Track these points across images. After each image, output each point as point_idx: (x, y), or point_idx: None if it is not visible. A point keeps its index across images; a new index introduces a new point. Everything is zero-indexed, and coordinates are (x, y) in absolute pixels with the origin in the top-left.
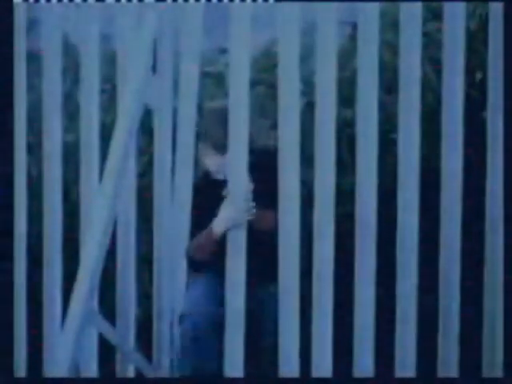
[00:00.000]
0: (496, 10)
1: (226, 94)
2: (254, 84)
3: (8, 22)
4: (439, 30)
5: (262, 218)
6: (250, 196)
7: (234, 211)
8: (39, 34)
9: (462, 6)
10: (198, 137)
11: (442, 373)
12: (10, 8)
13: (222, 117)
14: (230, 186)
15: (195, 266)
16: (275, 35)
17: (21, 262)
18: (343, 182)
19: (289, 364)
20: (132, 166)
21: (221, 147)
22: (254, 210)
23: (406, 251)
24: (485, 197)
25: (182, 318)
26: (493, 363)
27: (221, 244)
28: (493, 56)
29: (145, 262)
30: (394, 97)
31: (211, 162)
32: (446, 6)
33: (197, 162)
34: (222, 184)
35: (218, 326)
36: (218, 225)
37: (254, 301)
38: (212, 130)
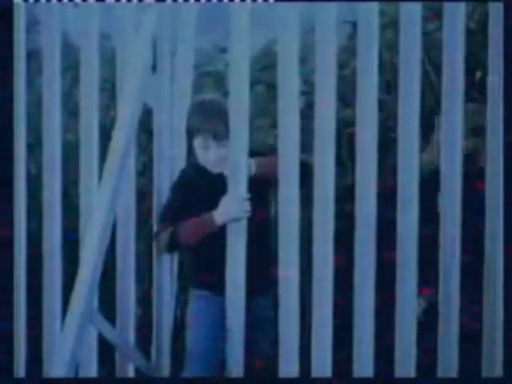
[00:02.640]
0: (496, 10)
1: (225, 93)
2: (253, 83)
3: (8, 22)
4: (439, 30)
5: (266, 163)
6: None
7: (237, 204)
8: (39, 34)
9: (461, 5)
10: (193, 132)
11: (441, 373)
12: (9, 8)
13: (218, 108)
14: (231, 181)
15: (197, 283)
16: (275, 35)
17: (21, 262)
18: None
19: (288, 364)
20: (132, 165)
21: (221, 139)
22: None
23: (405, 251)
24: (485, 196)
25: (190, 358)
26: (493, 363)
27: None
28: (492, 56)
29: (144, 261)
30: (393, 96)
31: (210, 155)
32: (446, 6)
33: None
34: (216, 177)
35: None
36: (220, 215)
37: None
38: (210, 123)
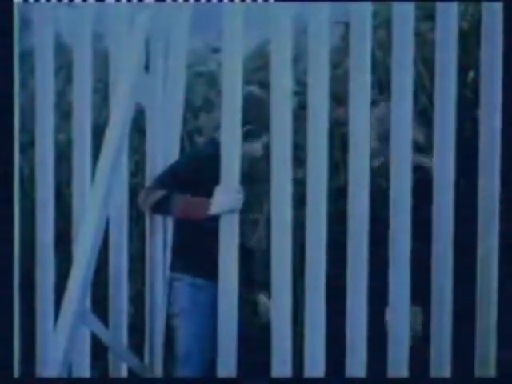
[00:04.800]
0: (488, 10)
1: (218, 94)
2: (246, 83)
3: (8, 22)
4: (432, 30)
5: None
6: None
7: (231, 194)
8: (32, 34)
9: (454, 5)
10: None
11: (434, 372)
12: (10, 8)
13: (263, 101)
14: (224, 173)
15: (193, 269)
16: (268, 35)
17: (14, 262)
18: (335, 181)
19: (281, 364)
20: (124, 165)
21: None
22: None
23: (398, 251)
24: (478, 196)
25: (184, 358)
26: (486, 363)
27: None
28: (485, 55)
29: (137, 260)
30: (386, 96)
31: (257, 144)
32: (439, 6)
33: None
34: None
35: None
36: (215, 205)
37: None
38: (261, 113)
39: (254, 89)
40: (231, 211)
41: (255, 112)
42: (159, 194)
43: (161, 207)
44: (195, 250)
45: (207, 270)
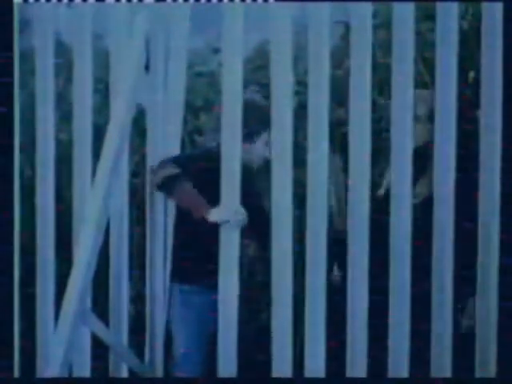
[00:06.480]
0: (488, 10)
1: (218, 94)
2: (246, 84)
3: (8, 22)
4: (432, 30)
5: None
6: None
7: (231, 212)
8: (31, 34)
9: (454, 5)
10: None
11: (434, 372)
12: (10, 8)
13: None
14: (224, 189)
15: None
16: (268, 35)
17: (14, 261)
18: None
19: (282, 364)
20: (125, 166)
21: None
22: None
23: (398, 251)
24: (478, 195)
25: (182, 360)
26: (486, 363)
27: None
28: (485, 56)
29: (138, 260)
30: (386, 97)
31: (267, 148)
32: (439, 6)
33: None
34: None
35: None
36: (214, 214)
37: None
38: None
39: (255, 95)
40: (227, 221)
41: (257, 117)
42: (171, 169)
43: (167, 185)
44: (184, 256)
45: (196, 277)
